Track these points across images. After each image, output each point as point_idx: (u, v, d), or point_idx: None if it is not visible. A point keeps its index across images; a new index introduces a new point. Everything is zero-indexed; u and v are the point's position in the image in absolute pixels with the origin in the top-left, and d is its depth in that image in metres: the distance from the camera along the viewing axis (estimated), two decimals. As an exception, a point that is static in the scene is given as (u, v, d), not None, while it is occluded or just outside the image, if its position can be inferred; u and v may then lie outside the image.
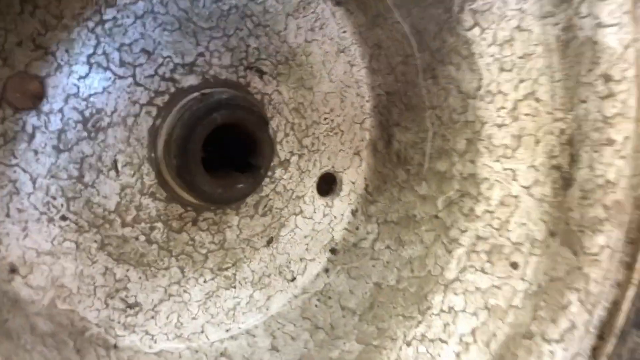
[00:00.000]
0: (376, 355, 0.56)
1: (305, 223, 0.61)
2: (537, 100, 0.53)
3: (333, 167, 0.61)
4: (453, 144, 0.56)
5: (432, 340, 0.55)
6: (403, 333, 0.55)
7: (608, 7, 0.47)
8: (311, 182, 0.60)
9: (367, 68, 0.60)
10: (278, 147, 0.56)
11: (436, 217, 0.57)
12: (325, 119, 0.59)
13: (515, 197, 0.55)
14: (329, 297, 0.60)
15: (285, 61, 0.55)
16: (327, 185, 0.62)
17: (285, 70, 0.55)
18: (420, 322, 0.55)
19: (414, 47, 0.55)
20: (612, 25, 0.47)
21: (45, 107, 0.46)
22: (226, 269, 0.57)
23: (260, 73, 0.54)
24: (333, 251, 0.63)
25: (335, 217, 0.62)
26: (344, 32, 0.58)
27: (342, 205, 0.62)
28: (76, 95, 0.46)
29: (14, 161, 0.45)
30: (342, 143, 0.61)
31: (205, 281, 0.56)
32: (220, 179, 0.50)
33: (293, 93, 0.56)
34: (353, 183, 0.62)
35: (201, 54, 0.50)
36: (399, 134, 0.60)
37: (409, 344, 0.55)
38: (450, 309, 0.55)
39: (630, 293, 0.50)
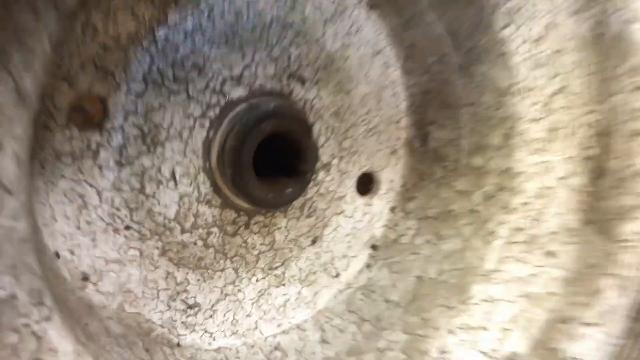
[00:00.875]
0: (421, 344, 0.58)
1: (346, 222, 0.63)
2: (572, 93, 0.54)
3: (371, 166, 0.63)
4: (489, 140, 0.58)
5: (474, 328, 0.57)
6: (446, 322, 0.57)
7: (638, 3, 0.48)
8: (351, 183, 0.63)
9: (402, 68, 0.62)
10: (320, 151, 0.58)
11: (474, 211, 0.59)
12: (363, 120, 0.61)
13: (551, 188, 0.56)
14: (373, 291, 0.63)
15: (325, 67, 0.58)
16: (366, 184, 0.64)
17: (324, 76, 0.58)
18: (462, 312, 0.57)
19: (450, 46, 0.57)
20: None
21: (108, 125, 0.49)
22: (276, 268, 0.60)
23: (302, 80, 0.56)
24: (374, 247, 0.65)
25: (374, 215, 0.65)
26: (379, 34, 0.60)
27: (381, 203, 0.65)
28: (135, 112, 0.49)
29: (81, 177, 0.48)
30: (379, 143, 0.63)
31: (257, 280, 0.59)
32: (270, 185, 0.52)
33: (332, 97, 0.59)
34: (391, 181, 0.65)
35: (247, 66, 0.53)
36: (435, 131, 0.62)
37: (452, 332, 0.58)
38: (491, 297, 0.57)
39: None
